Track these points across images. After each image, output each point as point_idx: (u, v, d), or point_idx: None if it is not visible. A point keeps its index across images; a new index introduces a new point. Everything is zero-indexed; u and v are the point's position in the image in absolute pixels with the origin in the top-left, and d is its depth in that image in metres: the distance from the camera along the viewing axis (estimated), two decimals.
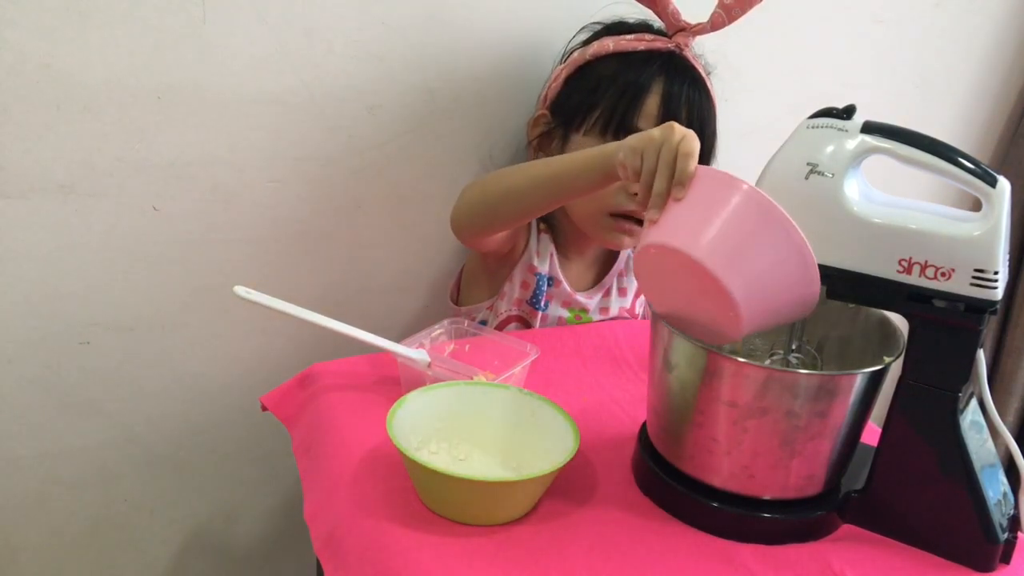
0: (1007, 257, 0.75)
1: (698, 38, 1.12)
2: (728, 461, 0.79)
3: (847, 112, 0.77)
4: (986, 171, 0.73)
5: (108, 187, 1.06)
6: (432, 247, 1.27)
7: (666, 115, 1.06)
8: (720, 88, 1.16)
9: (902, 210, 0.76)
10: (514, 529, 0.77)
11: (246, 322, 1.20)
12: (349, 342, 0.94)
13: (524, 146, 1.22)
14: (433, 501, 0.79)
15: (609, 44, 1.11)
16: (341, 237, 1.21)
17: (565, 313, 1.20)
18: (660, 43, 1.10)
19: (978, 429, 0.80)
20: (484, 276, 1.21)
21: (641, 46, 1.10)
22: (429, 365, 0.92)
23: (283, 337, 1.22)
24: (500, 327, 1.19)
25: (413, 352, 0.93)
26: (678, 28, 1.11)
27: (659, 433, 0.85)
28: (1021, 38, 1.57)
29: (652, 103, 1.07)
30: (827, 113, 0.78)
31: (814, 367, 0.87)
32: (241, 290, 0.91)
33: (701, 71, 1.12)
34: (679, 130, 0.80)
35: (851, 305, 0.85)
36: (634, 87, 1.07)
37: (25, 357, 1.10)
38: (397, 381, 0.97)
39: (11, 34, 0.96)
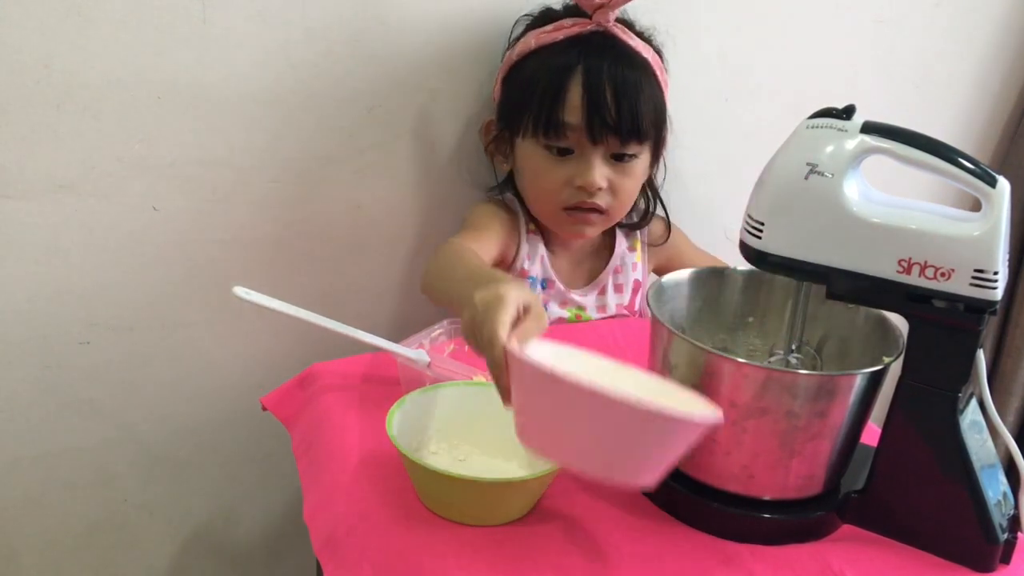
0: (1007, 257, 0.75)
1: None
2: (728, 461, 0.79)
3: (847, 112, 0.77)
4: (986, 171, 0.73)
5: (108, 187, 1.06)
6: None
7: (591, 101, 1.04)
8: (721, 88, 1.16)
9: (902, 210, 0.76)
10: (514, 529, 0.77)
11: (247, 322, 1.20)
12: (349, 342, 0.94)
13: None
14: (433, 502, 0.79)
15: (531, 41, 1.09)
16: (341, 237, 1.20)
17: (564, 313, 1.20)
18: (579, 27, 1.08)
19: (978, 429, 0.80)
20: None
21: (560, 35, 1.08)
22: (429, 365, 0.92)
23: (283, 337, 1.22)
24: None
25: (412, 352, 0.93)
26: (596, 6, 1.07)
27: None
28: (1021, 38, 1.56)
29: (575, 94, 1.05)
30: (827, 113, 0.78)
31: (814, 367, 0.87)
32: (241, 291, 0.91)
33: (632, 42, 1.09)
34: (487, 322, 0.69)
35: (851, 305, 0.85)
36: (555, 83, 1.06)
37: (25, 357, 1.10)
38: (397, 381, 0.96)
39: (11, 34, 0.96)
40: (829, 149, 0.76)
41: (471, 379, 0.90)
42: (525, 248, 1.17)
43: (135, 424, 1.20)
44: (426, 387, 0.86)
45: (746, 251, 0.79)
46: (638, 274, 1.25)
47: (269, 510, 1.33)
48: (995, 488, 0.79)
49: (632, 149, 1.08)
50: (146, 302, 1.13)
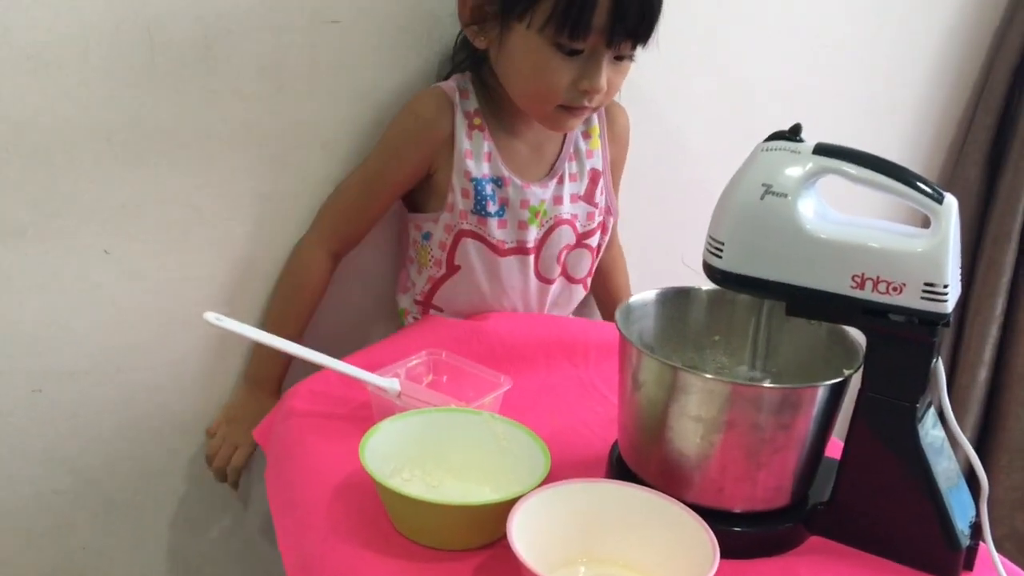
0: (958, 272, 0.78)
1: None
2: (698, 475, 0.81)
3: (793, 132, 0.80)
4: (933, 189, 0.76)
5: (58, 230, 1.05)
6: (391, 277, 1.27)
7: (619, 6, 0.98)
8: (671, 116, 1.18)
9: (854, 227, 0.78)
10: (488, 553, 0.78)
11: (203, 362, 1.18)
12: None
13: None
14: (407, 528, 0.79)
15: None
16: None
17: (525, 215, 1.14)
18: None
19: (939, 440, 0.82)
20: (428, 189, 1.16)
21: None
22: (399, 395, 0.93)
23: (242, 376, 1.21)
24: (455, 243, 1.13)
25: (384, 381, 0.93)
26: None
27: (630, 451, 0.86)
28: (961, 62, 1.63)
29: None
30: (779, 136, 0.81)
31: (778, 381, 0.90)
32: (211, 316, 0.90)
33: None
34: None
35: (812, 321, 0.88)
36: None
37: None
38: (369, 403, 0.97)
39: None
40: (783, 170, 0.78)
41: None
42: (464, 144, 1.11)
43: (91, 470, 1.17)
44: (399, 415, 0.87)
45: (709, 270, 0.82)
46: (595, 162, 1.19)
47: (232, 556, 1.31)
48: (960, 498, 0.81)
49: (637, 50, 1.05)
50: (99, 346, 1.12)
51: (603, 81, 1.02)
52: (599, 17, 0.98)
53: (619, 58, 1.04)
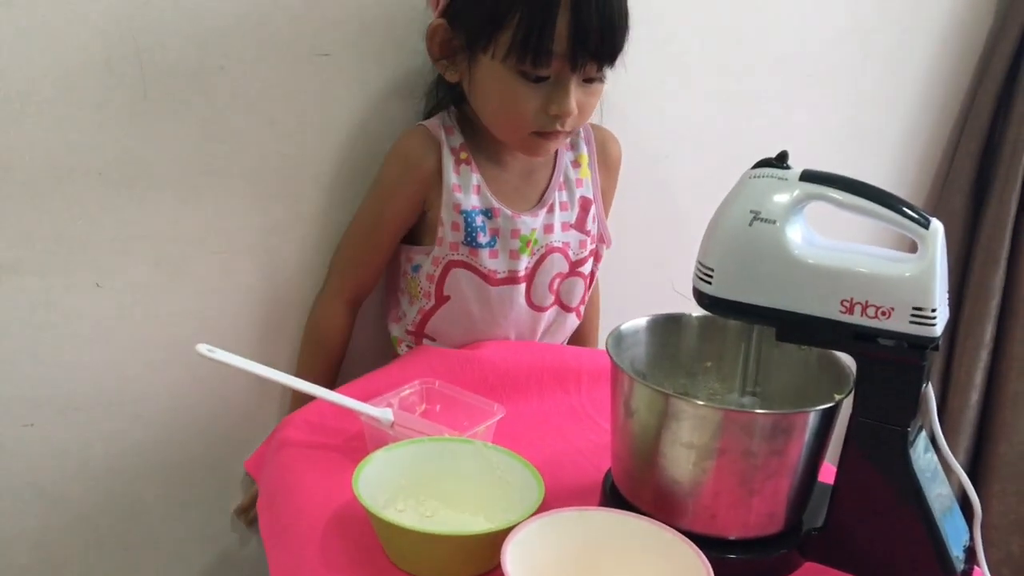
0: (946, 296, 0.79)
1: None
2: (691, 502, 0.81)
3: (780, 159, 0.81)
4: (920, 214, 0.77)
5: (49, 265, 1.05)
6: (383, 305, 1.27)
7: (579, 31, 0.98)
8: (661, 145, 1.19)
9: (842, 253, 0.79)
10: None
11: (196, 396, 1.18)
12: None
13: None
14: (402, 559, 0.79)
15: None
16: (290, 305, 1.20)
17: (516, 244, 1.14)
18: None
19: (932, 464, 0.82)
20: (422, 225, 1.17)
21: None
22: (392, 425, 0.93)
23: (238, 411, 1.21)
24: (443, 274, 1.13)
25: (376, 411, 0.93)
26: None
27: (623, 478, 0.86)
28: (946, 89, 1.65)
29: (562, 23, 0.98)
30: (766, 163, 0.82)
31: (770, 406, 0.90)
32: (203, 348, 0.90)
33: None
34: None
35: (802, 346, 0.88)
36: (543, 11, 0.98)
37: None
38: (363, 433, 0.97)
39: None
40: (771, 197, 0.79)
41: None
42: (452, 179, 1.11)
43: (82, 506, 1.16)
44: (392, 445, 0.87)
45: (699, 297, 0.82)
46: (586, 191, 1.19)
47: None
48: (953, 523, 0.81)
49: (605, 72, 1.06)
50: (92, 380, 1.12)
51: (572, 105, 1.03)
52: (559, 43, 0.99)
53: (588, 80, 1.05)
